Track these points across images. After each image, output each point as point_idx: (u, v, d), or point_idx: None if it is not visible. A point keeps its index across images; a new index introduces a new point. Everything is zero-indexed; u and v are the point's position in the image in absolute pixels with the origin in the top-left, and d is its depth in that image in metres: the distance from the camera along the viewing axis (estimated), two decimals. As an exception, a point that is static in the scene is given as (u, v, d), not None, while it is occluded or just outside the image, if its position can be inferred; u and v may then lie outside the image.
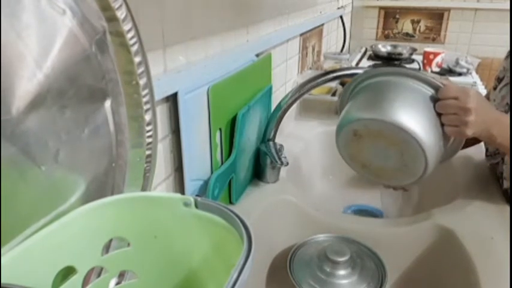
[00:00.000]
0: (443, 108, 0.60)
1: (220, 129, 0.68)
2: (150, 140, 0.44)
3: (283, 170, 0.85)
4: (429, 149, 0.60)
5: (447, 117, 0.60)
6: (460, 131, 0.60)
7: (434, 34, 2.50)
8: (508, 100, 0.75)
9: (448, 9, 2.42)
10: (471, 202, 0.75)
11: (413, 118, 0.59)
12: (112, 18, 0.37)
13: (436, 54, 1.75)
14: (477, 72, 1.75)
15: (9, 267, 0.32)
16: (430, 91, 0.61)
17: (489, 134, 0.61)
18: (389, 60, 1.99)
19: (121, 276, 0.43)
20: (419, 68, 1.75)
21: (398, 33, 2.57)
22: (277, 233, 0.77)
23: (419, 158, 0.60)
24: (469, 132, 0.59)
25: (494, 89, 0.81)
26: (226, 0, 0.72)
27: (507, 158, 0.76)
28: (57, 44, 0.33)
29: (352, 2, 2.12)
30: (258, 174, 0.83)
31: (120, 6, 0.37)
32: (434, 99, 0.61)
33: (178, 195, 0.40)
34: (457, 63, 1.71)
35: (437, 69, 1.74)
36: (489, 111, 0.61)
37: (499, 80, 0.80)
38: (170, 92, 0.56)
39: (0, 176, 0.30)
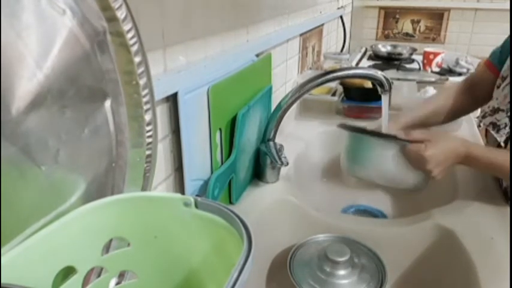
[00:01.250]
0: (411, 165, 0.72)
1: (220, 129, 0.68)
2: (150, 140, 0.44)
3: (283, 170, 0.85)
4: (415, 186, 0.75)
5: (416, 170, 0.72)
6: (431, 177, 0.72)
7: (434, 34, 2.50)
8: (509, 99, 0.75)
9: (448, 9, 2.42)
10: (471, 202, 0.75)
11: (393, 173, 0.74)
12: (112, 18, 0.37)
13: (436, 54, 1.75)
14: (477, 72, 1.75)
15: (9, 267, 0.32)
16: (398, 146, 0.72)
17: (460, 164, 0.71)
18: (389, 60, 1.99)
19: (121, 276, 0.43)
20: (420, 68, 1.75)
21: (398, 33, 2.57)
22: (277, 233, 0.77)
23: (412, 190, 0.76)
24: (437, 178, 0.71)
25: (498, 87, 0.81)
26: (226, 0, 0.72)
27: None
28: (57, 44, 0.33)
29: (352, 2, 2.12)
30: (258, 174, 0.83)
31: (120, 6, 0.37)
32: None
33: (179, 195, 0.40)
34: (457, 63, 1.71)
35: (437, 69, 1.74)
36: (449, 155, 0.70)
37: (503, 78, 0.80)
38: (170, 92, 0.56)
39: (0, 176, 0.30)
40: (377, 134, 0.76)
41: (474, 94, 0.89)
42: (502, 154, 0.70)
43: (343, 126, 0.81)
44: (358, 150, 0.78)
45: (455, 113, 0.90)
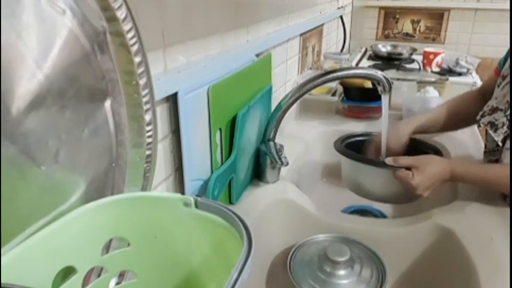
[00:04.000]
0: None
1: (220, 129, 0.68)
2: (150, 140, 0.44)
3: (283, 170, 0.85)
4: (409, 200, 0.80)
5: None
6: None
7: (434, 34, 2.50)
8: (508, 98, 0.75)
9: (448, 9, 2.42)
10: (471, 202, 0.75)
11: (387, 194, 0.81)
12: (112, 18, 0.37)
13: (436, 54, 1.75)
14: (477, 72, 1.75)
15: (9, 267, 0.32)
16: (390, 171, 0.76)
17: (451, 179, 0.74)
18: (390, 60, 1.99)
19: (121, 276, 0.43)
20: (420, 68, 1.75)
21: (399, 33, 2.57)
22: (278, 233, 0.77)
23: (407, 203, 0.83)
24: (424, 196, 0.74)
25: (498, 86, 0.80)
26: (226, 0, 0.72)
27: (504, 157, 0.76)
28: (57, 44, 0.33)
29: (352, 2, 2.12)
30: (258, 174, 0.83)
31: (120, 6, 0.37)
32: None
33: (179, 195, 0.40)
34: (457, 63, 1.70)
35: (437, 69, 1.74)
36: (436, 179, 0.73)
37: (503, 77, 0.79)
38: (170, 92, 0.56)
39: (0, 176, 0.30)
40: (367, 161, 0.82)
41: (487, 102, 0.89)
42: (490, 169, 0.74)
43: (339, 149, 0.85)
44: (354, 172, 0.85)
45: (469, 119, 0.90)
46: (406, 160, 0.75)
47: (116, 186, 0.43)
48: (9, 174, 0.31)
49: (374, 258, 0.67)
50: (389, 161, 0.76)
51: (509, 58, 0.80)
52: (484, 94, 0.90)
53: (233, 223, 0.36)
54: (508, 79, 0.77)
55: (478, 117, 0.81)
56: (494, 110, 0.78)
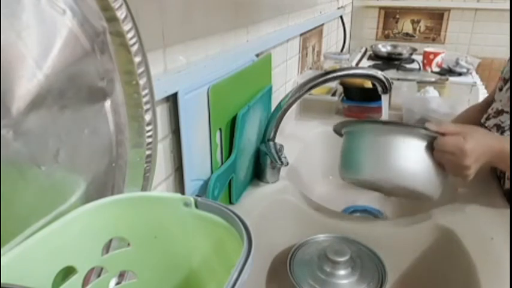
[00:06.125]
0: (442, 162, 0.63)
1: (220, 129, 0.68)
2: (150, 140, 0.44)
3: (283, 170, 0.85)
4: (430, 191, 0.64)
5: (447, 168, 0.63)
6: (461, 178, 0.64)
7: (434, 34, 2.50)
8: None
9: (448, 9, 2.42)
10: (471, 202, 0.75)
11: (410, 174, 0.63)
12: (112, 18, 0.37)
13: (436, 54, 1.75)
14: (477, 72, 1.75)
15: (9, 267, 0.32)
16: (424, 139, 0.63)
17: (490, 164, 0.66)
18: (390, 60, 1.99)
19: (121, 276, 0.43)
20: (420, 68, 1.75)
21: (398, 33, 2.57)
22: (277, 233, 0.77)
23: (424, 197, 0.66)
24: (470, 178, 0.63)
25: (500, 89, 0.80)
26: (226, 0, 0.72)
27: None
28: (57, 44, 0.33)
29: (352, 2, 2.12)
30: (258, 174, 0.83)
31: (120, 6, 0.37)
32: (431, 147, 0.62)
33: (179, 195, 0.40)
34: (457, 63, 1.71)
35: (437, 69, 1.74)
36: (486, 150, 0.63)
37: (505, 80, 0.80)
38: (170, 92, 0.56)
39: (0, 176, 0.30)
40: (399, 124, 0.65)
41: None
42: None
43: (344, 124, 0.72)
44: (370, 145, 0.66)
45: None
46: (453, 126, 0.63)
47: (116, 186, 0.43)
48: (9, 174, 0.31)
49: (374, 258, 0.67)
50: (430, 125, 0.62)
51: (509, 62, 0.81)
52: (488, 102, 0.89)
53: (233, 223, 0.36)
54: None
55: (482, 120, 0.81)
56: (500, 112, 0.78)
